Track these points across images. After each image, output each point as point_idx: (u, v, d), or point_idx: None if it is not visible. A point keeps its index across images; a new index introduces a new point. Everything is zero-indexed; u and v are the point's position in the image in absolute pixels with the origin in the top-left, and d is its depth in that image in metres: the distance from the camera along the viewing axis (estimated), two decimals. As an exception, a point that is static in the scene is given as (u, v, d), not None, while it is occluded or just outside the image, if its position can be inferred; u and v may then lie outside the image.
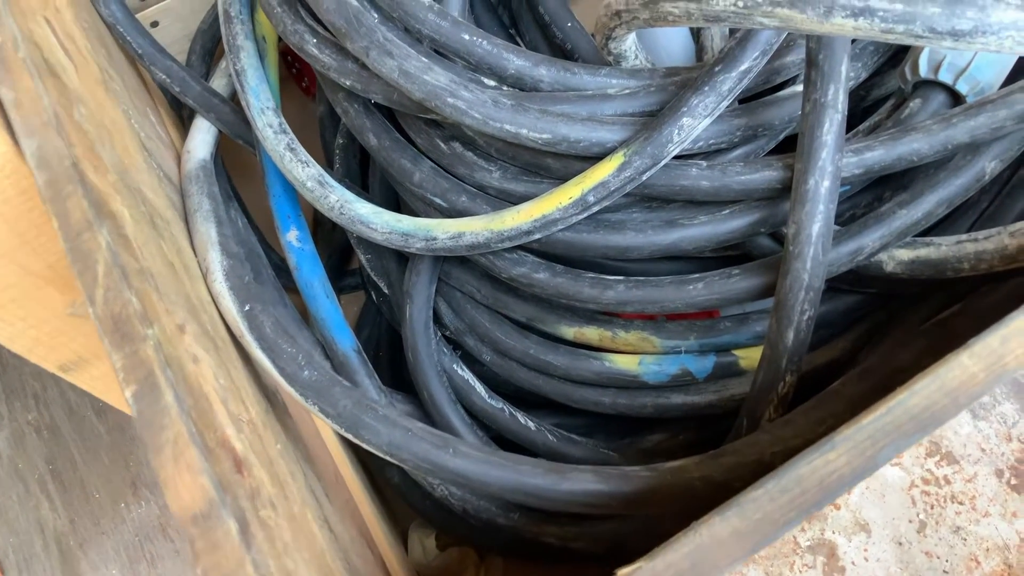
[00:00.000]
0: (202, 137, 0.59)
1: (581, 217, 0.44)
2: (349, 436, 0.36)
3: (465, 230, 0.46)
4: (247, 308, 0.39)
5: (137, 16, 0.70)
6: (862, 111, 0.52)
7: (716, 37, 0.52)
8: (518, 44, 0.59)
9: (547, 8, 0.53)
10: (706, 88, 0.40)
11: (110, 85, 0.48)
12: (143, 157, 0.44)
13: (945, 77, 0.44)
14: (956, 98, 0.45)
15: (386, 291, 0.59)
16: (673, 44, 0.58)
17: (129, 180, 0.37)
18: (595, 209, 0.44)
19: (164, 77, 0.60)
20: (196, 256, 0.44)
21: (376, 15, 0.48)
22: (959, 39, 0.30)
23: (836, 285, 0.47)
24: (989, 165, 0.42)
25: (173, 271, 0.35)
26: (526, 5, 0.55)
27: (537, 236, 0.45)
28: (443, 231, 0.47)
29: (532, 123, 0.43)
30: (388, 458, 0.36)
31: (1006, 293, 0.44)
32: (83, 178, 0.28)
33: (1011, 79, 0.44)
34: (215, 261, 0.42)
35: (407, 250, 0.49)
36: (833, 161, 0.40)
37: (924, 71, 0.45)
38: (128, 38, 0.59)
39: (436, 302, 0.56)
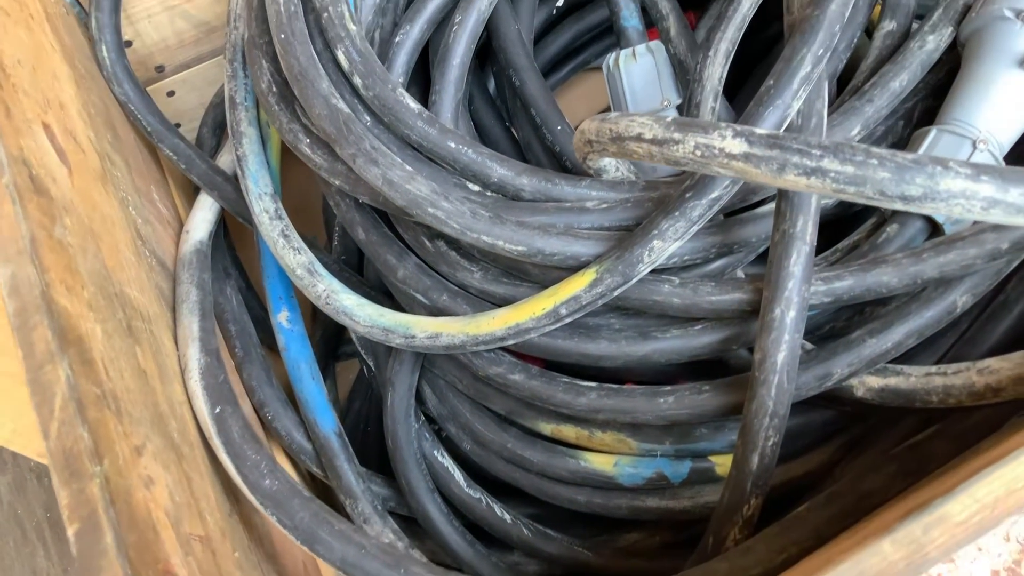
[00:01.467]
0: (203, 215, 0.61)
1: (554, 327, 0.45)
2: (305, 548, 0.37)
3: (442, 331, 0.47)
4: (217, 410, 0.40)
5: (154, 86, 0.73)
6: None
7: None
8: (515, 137, 0.61)
9: (538, 111, 0.55)
10: (677, 213, 0.41)
11: (111, 173, 0.50)
12: (134, 250, 0.46)
13: (922, 204, 0.44)
14: (934, 225, 0.45)
15: (374, 369, 0.60)
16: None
17: (110, 287, 0.38)
18: (567, 320, 0.44)
19: (171, 154, 0.62)
20: (178, 349, 0.45)
21: (369, 119, 0.49)
22: (909, 203, 0.31)
23: (812, 400, 0.47)
24: (960, 299, 0.42)
25: (144, 380, 0.36)
26: (520, 105, 0.56)
27: (511, 342, 0.46)
28: (421, 330, 0.48)
29: (508, 235, 0.44)
30: (342, 573, 0.37)
31: (983, 418, 0.44)
32: (51, 306, 0.29)
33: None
34: (193, 359, 0.43)
35: (387, 344, 0.50)
36: (799, 292, 0.40)
37: (902, 196, 0.45)
38: (139, 116, 0.62)
39: (421, 385, 0.57)
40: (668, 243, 0.42)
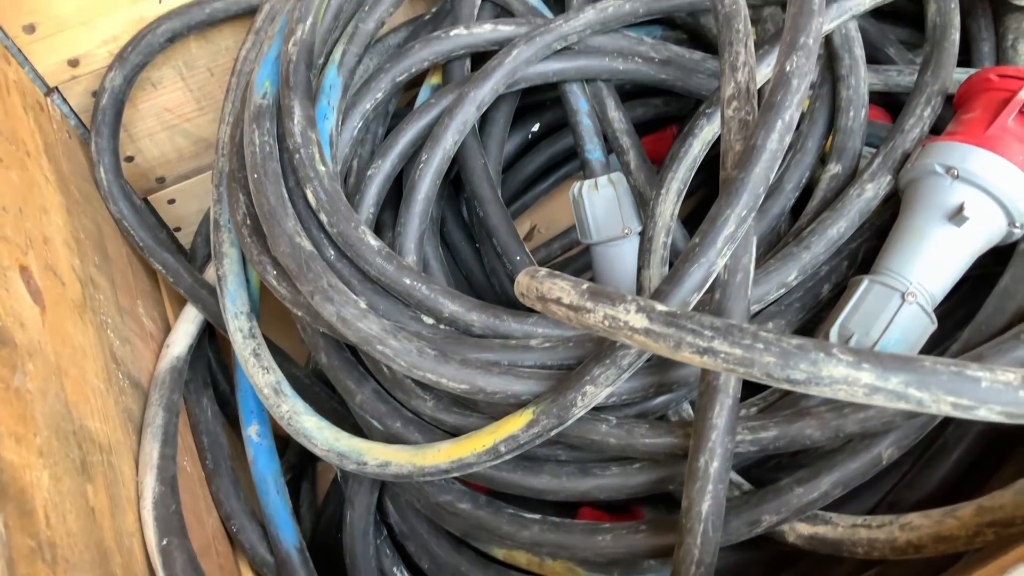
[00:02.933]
0: (186, 327, 0.64)
1: (496, 463, 0.46)
2: None
3: (392, 460, 0.49)
4: (164, 542, 0.42)
5: (156, 195, 0.78)
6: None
7: (654, 278, 0.55)
8: (481, 262, 0.63)
9: (499, 241, 0.57)
10: (608, 360, 0.43)
11: (93, 299, 0.53)
12: (105, 377, 0.49)
13: (853, 353, 0.46)
14: (865, 372, 0.46)
15: (340, 482, 0.62)
16: (627, 266, 0.61)
17: (69, 424, 0.41)
18: (508, 457, 0.46)
19: (161, 268, 0.66)
20: (137, 474, 0.47)
21: (333, 252, 0.52)
22: (795, 385, 0.32)
23: (749, 541, 0.48)
24: (886, 452, 0.43)
25: (91, 519, 0.38)
26: (485, 234, 0.59)
27: (455, 475, 0.48)
28: (373, 457, 0.50)
29: (452, 373, 0.46)
30: None
31: (923, 564, 0.44)
32: (-5, 462, 0.32)
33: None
34: (148, 487, 0.45)
35: (342, 468, 0.52)
36: (723, 444, 0.41)
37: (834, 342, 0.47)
38: (132, 232, 0.66)
39: (384, 500, 0.59)
40: (600, 388, 0.43)
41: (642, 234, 0.57)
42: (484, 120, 0.65)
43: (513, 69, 0.58)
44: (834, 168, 0.55)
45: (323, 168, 0.52)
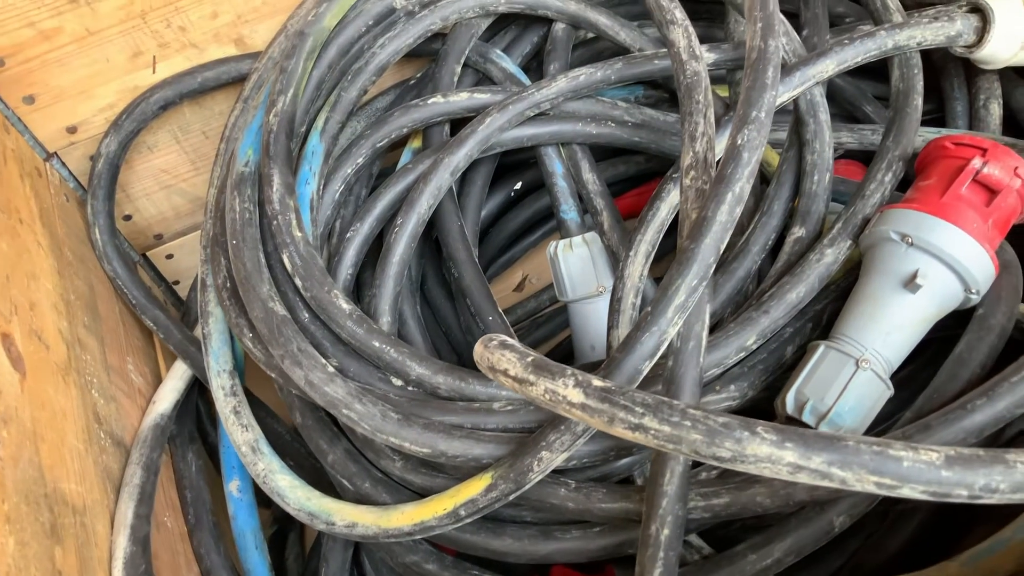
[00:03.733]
0: (173, 384, 0.66)
1: (457, 526, 0.47)
2: None
3: (358, 521, 0.50)
4: (130, 605, 0.44)
5: (154, 251, 0.80)
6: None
7: (623, 338, 0.56)
8: (459, 319, 0.65)
9: (473, 301, 0.59)
10: (563, 427, 0.44)
11: (79, 359, 0.55)
12: (86, 437, 0.51)
13: (808, 419, 0.47)
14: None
15: (320, 538, 0.63)
16: (601, 324, 0.63)
17: (41, 488, 0.42)
18: (468, 521, 0.47)
19: (152, 325, 0.68)
20: (112, 533, 0.49)
21: (307, 315, 0.54)
22: (722, 463, 0.33)
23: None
24: (838, 520, 0.43)
25: (56, 581, 0.40)
26: (460, 294, 0.61)
27: (418, 537, 0.49)
28: (340, 518, 0.51)
29: (414, 437, 0.47)
30: None
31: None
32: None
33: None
34: (120, 547, 0.47)
35: (313, 527, 0.53)
36: (673, 512, 0.42)
37: (790, 408, 0.48)
38: (125, 290, 0.68)
39: (361, 556, 0.60)
40: (556, 454, 0.44)
41: (612, 295, 0.58)
42: (463, 181, 0.67)
43: (486, 136, 0.60)
44: (798, 231, 0.56)
45: (299, 234, 0.54)
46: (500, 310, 0.59)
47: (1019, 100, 0.65)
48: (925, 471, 0.32)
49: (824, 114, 0.58)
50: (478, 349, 0.43)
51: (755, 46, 0.50)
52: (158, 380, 0.69)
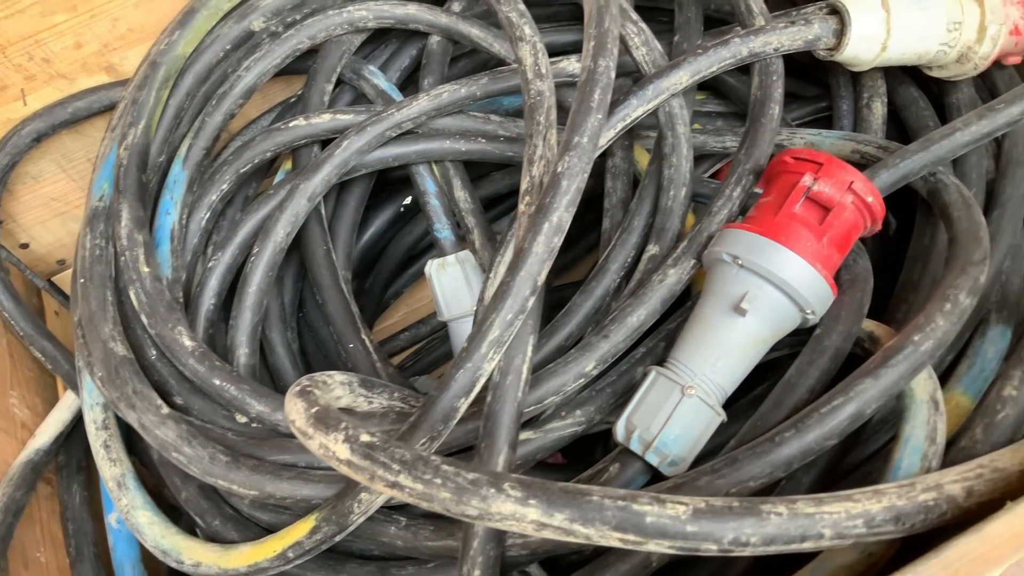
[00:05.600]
0: (58, 416, 0.66)
1: (289, 568, 0.47)
2: None
3: (202, 561, 0.50)
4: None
5: (59, 276, 0.80)
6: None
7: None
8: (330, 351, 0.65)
9: (335, 329, 0.59)
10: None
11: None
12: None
13: (636, 448, 0.46)
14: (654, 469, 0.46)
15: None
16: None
17: None
18: (298, 563, 0.47)
19: (40, 355, 0.68)
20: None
21: (155, 352, 0.54)
22: (473, 520, 0.33)
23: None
24: (654, 557, 0.43)
25: None
26: (325, 320, 0.60)
27: (256, 577, 0.48)
28: (188, 557, 0.51)
29: (242, 480, 0.47)
30: None
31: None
32: None
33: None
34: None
35: (168, 565, 0.53)
36: (484, 552, 0.41)
37: (620, 437, 0.47)
38: (12, 322, 0.68)
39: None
40: (375, 495, 0.44)
41: (474, 317, 0.57)
42: (337, 203, 0.66)
43: (344, 160, 0.59)
44: (652, 249, 0.55)
45: (146, 270, 0.54)
46: (366, 336, 0.59)
47: (903, 97, 0.63)
48: (669, 526, 0.31)
49: (682, 127, 0.57)
50: (287, 394, 0.43)
51: (586, 66, 0.49)
52: (43, 413, 0.69)
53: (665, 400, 0.46)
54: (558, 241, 0.45)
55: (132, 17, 0.65)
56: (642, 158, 0.63)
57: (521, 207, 0.49)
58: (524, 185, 0.49)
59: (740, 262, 0.46)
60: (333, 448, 0.36)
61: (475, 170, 0.73)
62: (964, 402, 0.50)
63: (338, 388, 0.46)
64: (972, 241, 0.46)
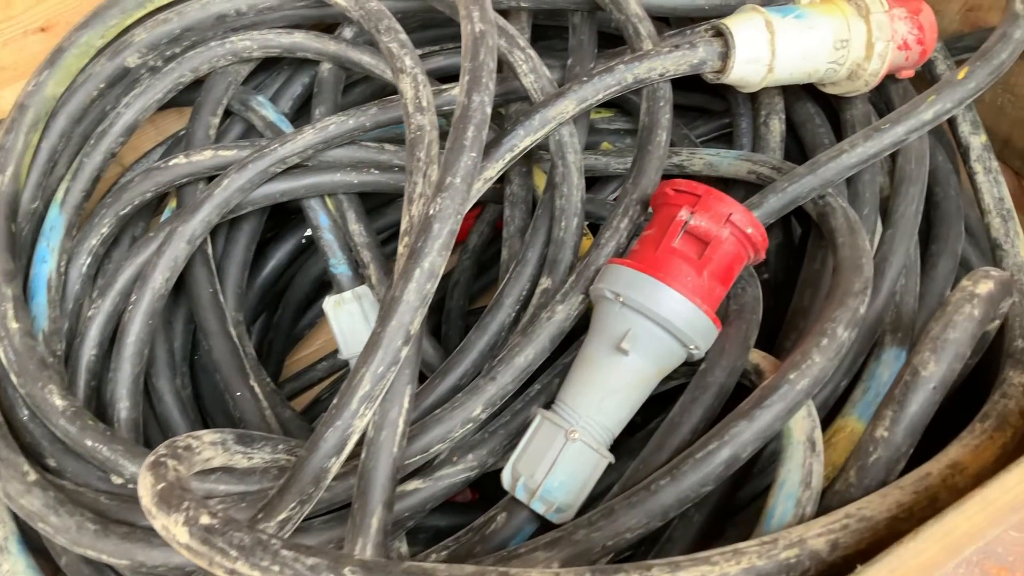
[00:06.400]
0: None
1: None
2: None
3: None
4: None
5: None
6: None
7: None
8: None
9: (222, 376, 0.56)
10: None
11: None
12: None
13: (521, 496, 0.45)
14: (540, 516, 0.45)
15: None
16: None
17: None
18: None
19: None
20: None
21: (27, 412, 0.51)
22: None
23: None
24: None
25: None
26: (212, 367, 0.58)
27: (132, 647, 0.46)
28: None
29: (111, 549, 0.45)
30: None
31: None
32: None
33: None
34: None
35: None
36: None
37: (507, 485, 0.45)
38: None
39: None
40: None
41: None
42: (228, 239, 0.64)
43: (225, 200, 0.57)
44: (545, 282, 0.54)
45: (15, 325, 0.51)
46: (256, 382, 0.57)
47: (800, 114, 0.63)
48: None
49: (572, 155, 0.55)
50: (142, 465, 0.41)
51: (460, 101, 0.47)
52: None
53: (549, 446, 0.44)
54: (431, 287, 0.43)
55: (1, 56, 0.62)
56: (541, 182, 0.62)
57: (400, 248, 0.47)
58: (404, 225, 0.48)
59: (622, 299, 0.45)
60: (173, 531, 0.34)
61: (378, 199, 0.71)
62: (859, 428, 0.50)
63: (207, 450, 0.44)
64: (854, 270, 0.45)
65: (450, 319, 0.74)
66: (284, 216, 0.74)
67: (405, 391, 0.44)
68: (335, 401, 0.42)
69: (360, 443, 0.43)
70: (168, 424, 0.58)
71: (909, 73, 0.61)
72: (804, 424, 0.41)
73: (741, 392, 0.47)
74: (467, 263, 0.77)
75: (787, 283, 0.57)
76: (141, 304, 0.55)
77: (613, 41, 0.66)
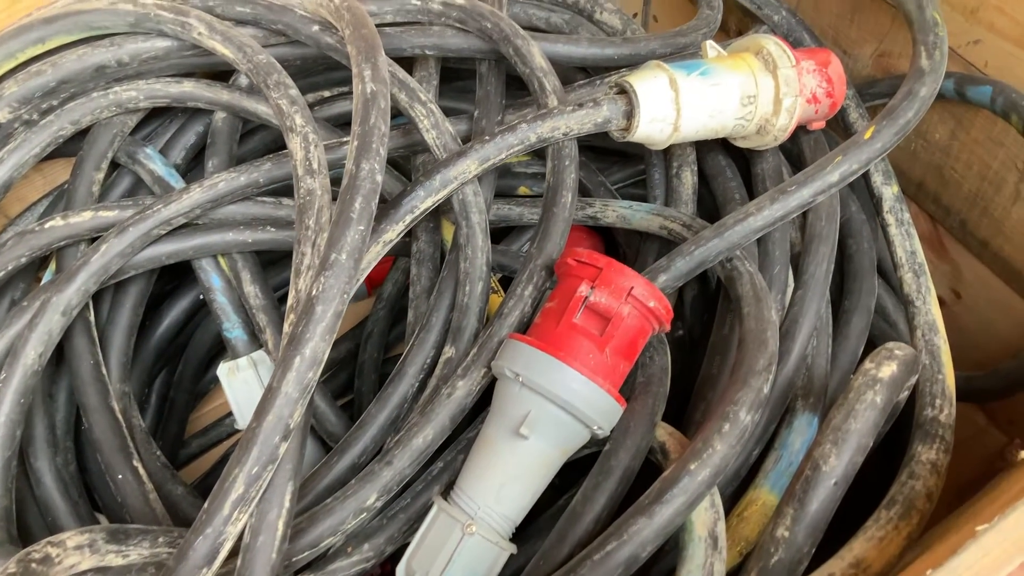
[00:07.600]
0: None
1: None
2: None
3: None
4: None
5: None
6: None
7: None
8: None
9: (102, 457, 0.52)
10: None
11: None
12: None
13: (417, 594, 0.42)
14: None
15: None
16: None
17: None
18: None
19: None
20: None
21: None
22: None
23: None
24: None
25: None
26: (92, 447, 0.54)
27: None
28: None
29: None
30: None
31: None
32: None
33: None
34: None
35: None
36: None
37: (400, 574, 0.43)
38: None
39: None
40: None
41: (262, 433, 0.52)
42: (113, 304, 0.59)
43: (104, 266, 0.53)
44: (448, 351, 0.51)
45: None
46: (139, 463, 0.53)
47: (711, 167, 0.62)
48: None
49: (477, 215, 0.53)
50: None
51: (348, 169, 0.44)
52: None
53: (445, 541, 0.42)
54: (314, 376, 0.40)
55: None
56: (450, 234, 0.60)
57: (286, 327, 0.44)
58: (290, 300, 0.45)
59: (521, 380, 0.43)
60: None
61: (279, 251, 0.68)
62: (771, 500, 0.48)
63: (71, 556, 0.40)
64: (758, 345, 0.44)
65: (363, 373, 0.71)
66: (183, 266, 0.70)
67: (286, 489, 0.41)
68: (205, 505, 0.38)
69: (237, 549, 0.40)
70: (48, 508, 0.53)
71: (820, 124, 0.60)
72: (706, 517, 0.39)
73: (649, 467, 0.45)
74: (382, 312, 0.74)
75: (704, 335, 0.56)
76: (11, 382, 0.50)
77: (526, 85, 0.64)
